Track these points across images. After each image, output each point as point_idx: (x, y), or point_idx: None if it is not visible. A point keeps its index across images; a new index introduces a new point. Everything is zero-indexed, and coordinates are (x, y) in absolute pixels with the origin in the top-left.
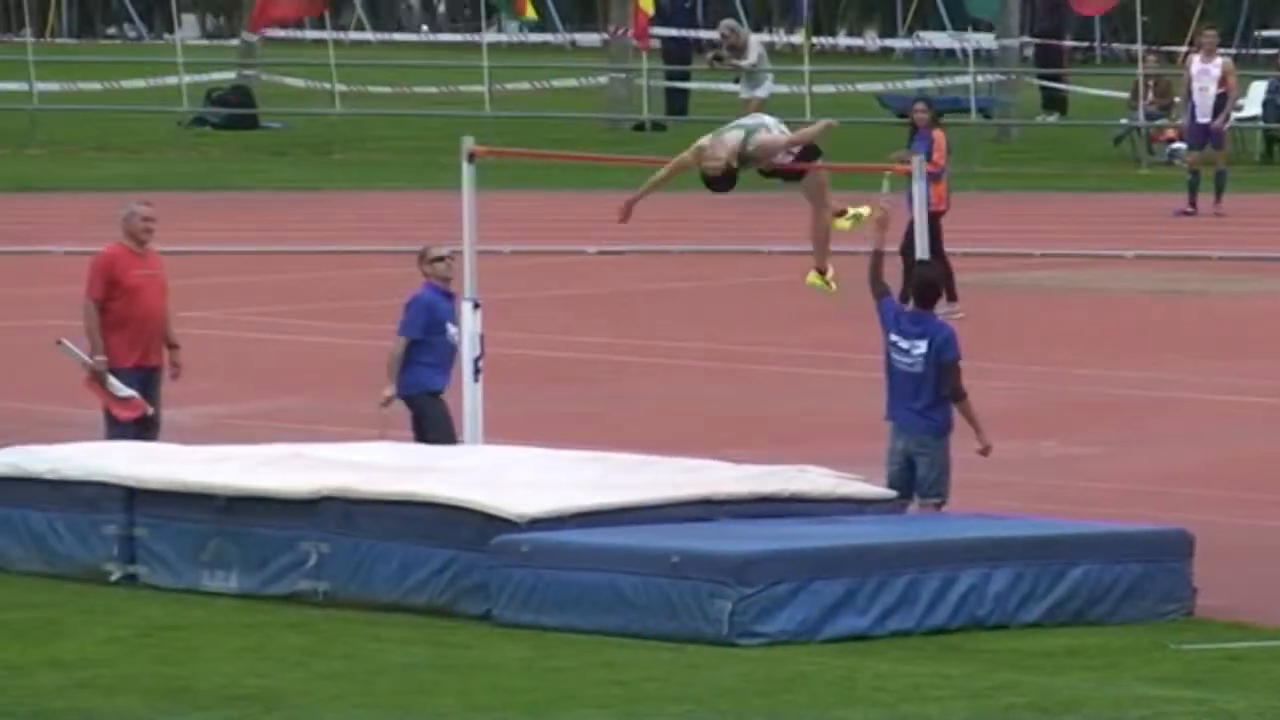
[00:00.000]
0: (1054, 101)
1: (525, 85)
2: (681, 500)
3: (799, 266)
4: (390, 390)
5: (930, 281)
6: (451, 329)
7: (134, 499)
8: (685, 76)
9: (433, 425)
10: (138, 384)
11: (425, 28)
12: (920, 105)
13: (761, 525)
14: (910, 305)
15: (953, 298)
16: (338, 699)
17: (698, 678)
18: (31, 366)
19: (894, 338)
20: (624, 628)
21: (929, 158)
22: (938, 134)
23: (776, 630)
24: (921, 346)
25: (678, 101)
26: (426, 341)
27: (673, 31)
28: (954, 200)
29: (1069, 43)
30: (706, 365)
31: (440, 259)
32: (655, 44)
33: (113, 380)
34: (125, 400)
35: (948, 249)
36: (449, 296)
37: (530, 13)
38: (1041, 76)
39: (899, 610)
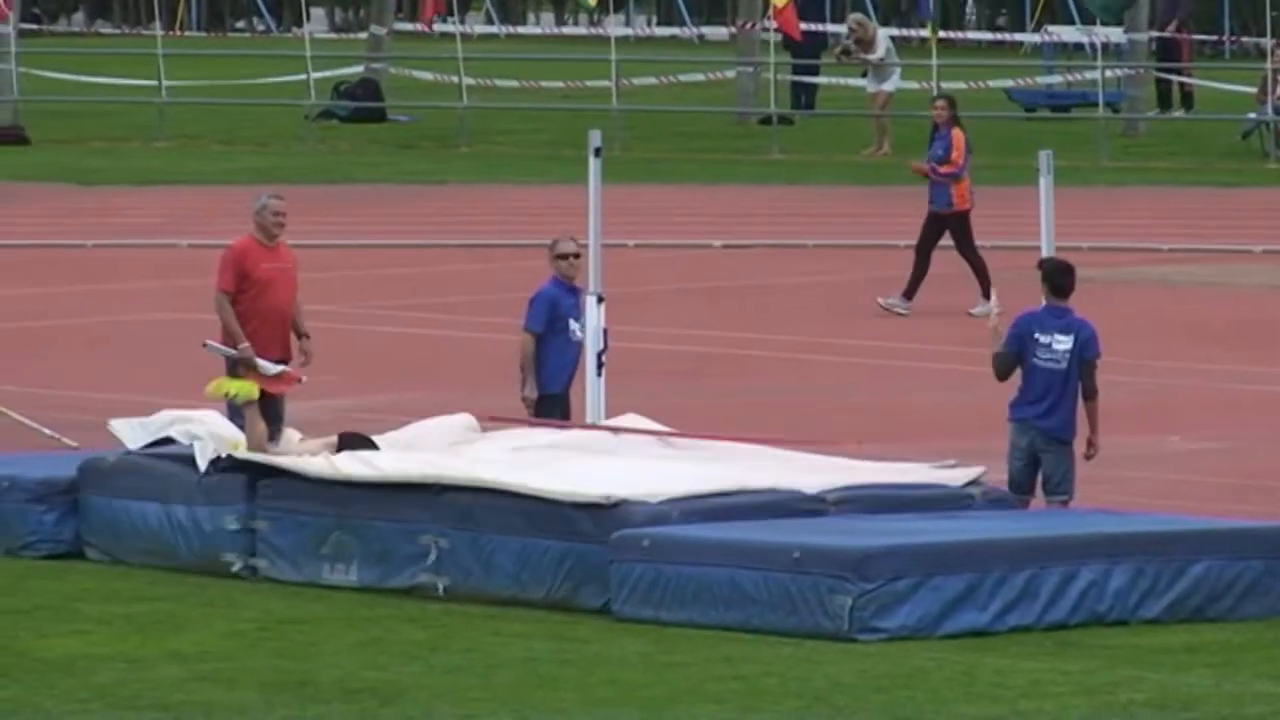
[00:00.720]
0: (1167, 99)
1: (651, 80)
2: (798, 493)
3: (933, 262)
4: (530, 391)
5: (1065, 269)
6: (574, 325)
7: (254, 491)
8: (814, 71)
9: None
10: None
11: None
12: (940, 102)
13: (882, 520)
14: (1045, 300)
15: (987, 295)
16: (456, 693)
17: (816, 673)
18: (159, 360)
19: (1036, 334)
20: (743, 623)
21: (947, 157)
22: (956, 133)
23: (896, 626)
24: (1065, 342)
25: (805, 96)
26: (548, 338)
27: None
28: (1082, 195)
29: (1197, 36)
30: (831, 359)
31: (564, 257)
32: (777, 36)
33: (260, 362)
34: (277, 377)
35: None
36: (573, 292)
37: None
38: (1163, 71)
39: (1019, 606)
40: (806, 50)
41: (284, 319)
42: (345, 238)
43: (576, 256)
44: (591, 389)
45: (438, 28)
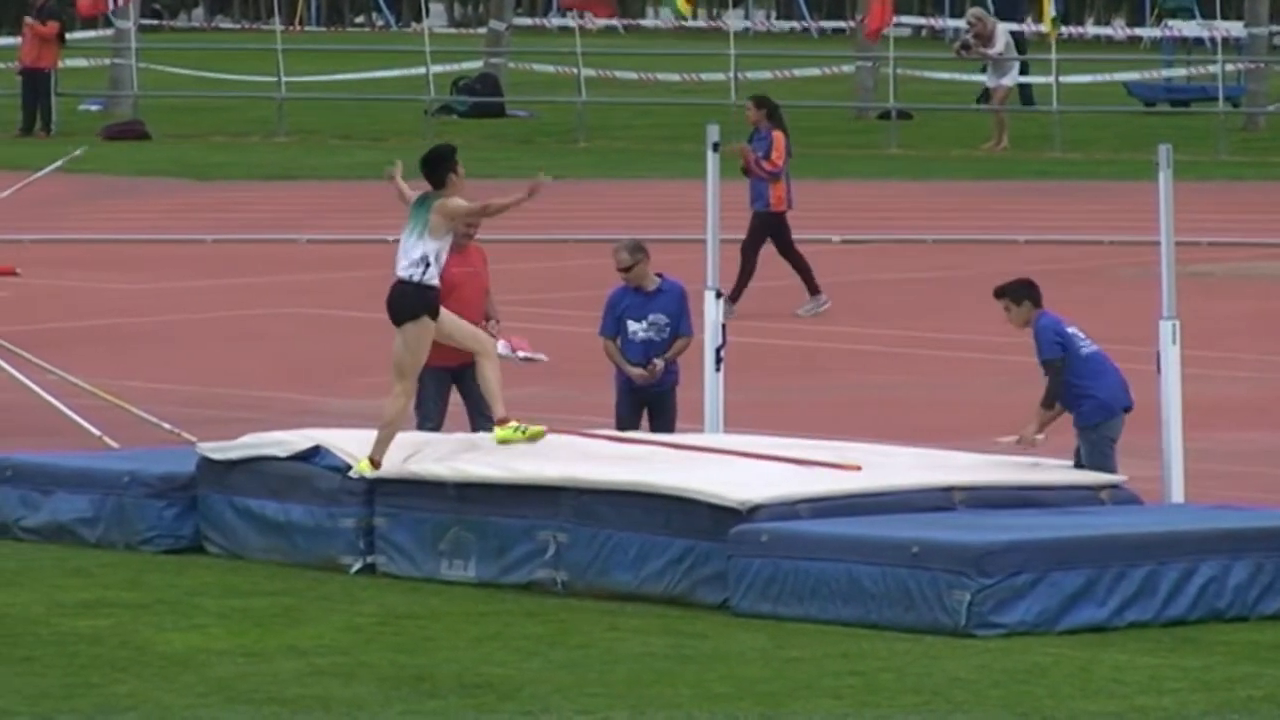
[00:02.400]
0: None
1: (767, 74)
2: (915, 488)
3: (1051, 256)
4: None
5: (1029, 283)
6: (633, 326)
7: (373, 489)
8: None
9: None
10: (450, 380)
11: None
12: (748, 103)
13: (1000, 515)
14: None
15: (814, 291)
16: (574, 688)
17: (935, 669)
18: (278, 355)
19: (1068, 330)
20: (861, 618)
21: (767, 157)
22: (777, 134)
23: (1015, 621)
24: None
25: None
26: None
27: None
28: (1201, 190)
29: None
30: (950, 355)
31: (623, 269)
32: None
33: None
34: (531, 359)
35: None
36: (639, 291)
37: (685, 8)
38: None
39: (1137, 601)
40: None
41: (472, 321)
42: None
43: (627, 270)
44: (710, 384)
45: (556, 21)
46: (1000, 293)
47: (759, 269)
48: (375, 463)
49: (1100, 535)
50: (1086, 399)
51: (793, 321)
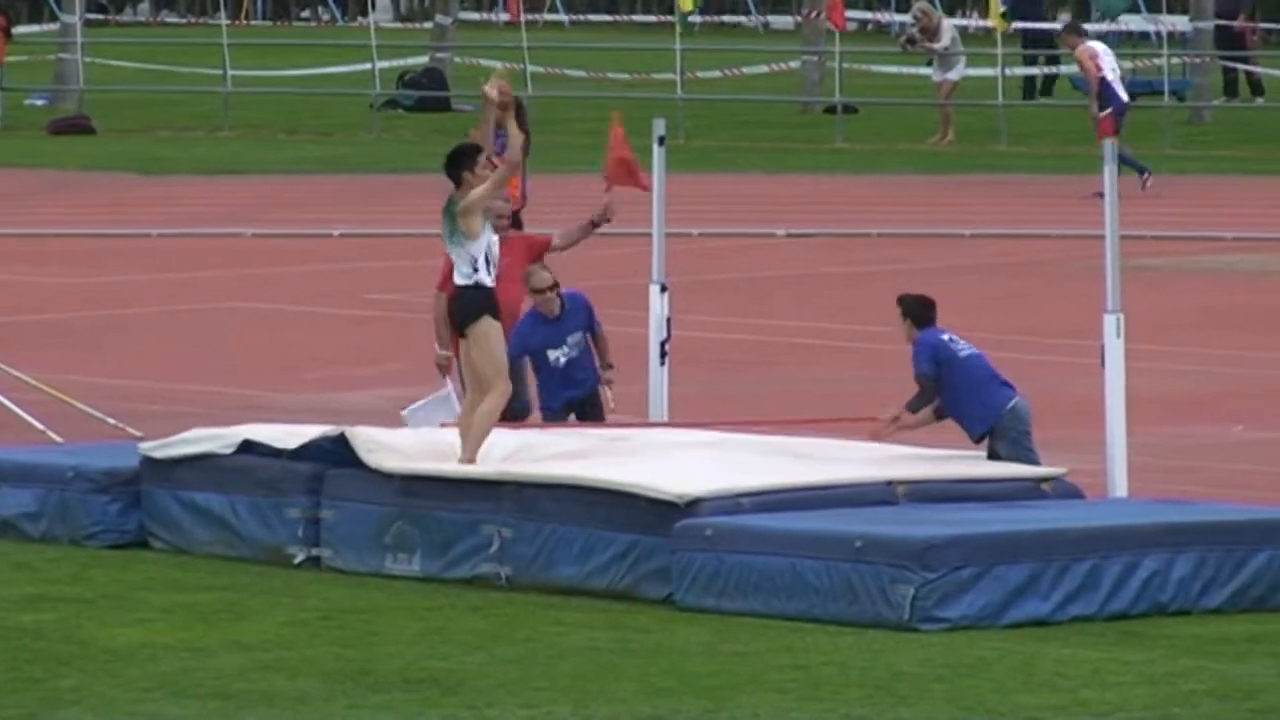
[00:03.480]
0: (1234, 87)
1: (716, 73)
2: (859, 482)
3: (997, 250)
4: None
5: (928, 303)
6: (552, 355)
7: (319, 481)
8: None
9: None
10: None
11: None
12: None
13: (943, 509)
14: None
15: None
16: (519, 682)
17: (878, 663)
18: (224, 349)
19: (950, 335)
20: (805, 612)
21: (502, 153)
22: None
23: (958, 615)
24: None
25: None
26: (536, 361)
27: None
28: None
29: (1265, 25)
30: (895, 349)
31: (537, 291)
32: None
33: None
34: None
35: None
36: (548, 321)
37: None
38: (1227, 60)
39: (1081, 596)
40: (1044, 42)
41: (515, 312)
42: (409, 227)
43: (550, 289)
44: (654, 378)
45: (503, 16)
46: (899, 301)
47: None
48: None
49: (1044, 529)
50: (969, 417)
51: (739, 315)
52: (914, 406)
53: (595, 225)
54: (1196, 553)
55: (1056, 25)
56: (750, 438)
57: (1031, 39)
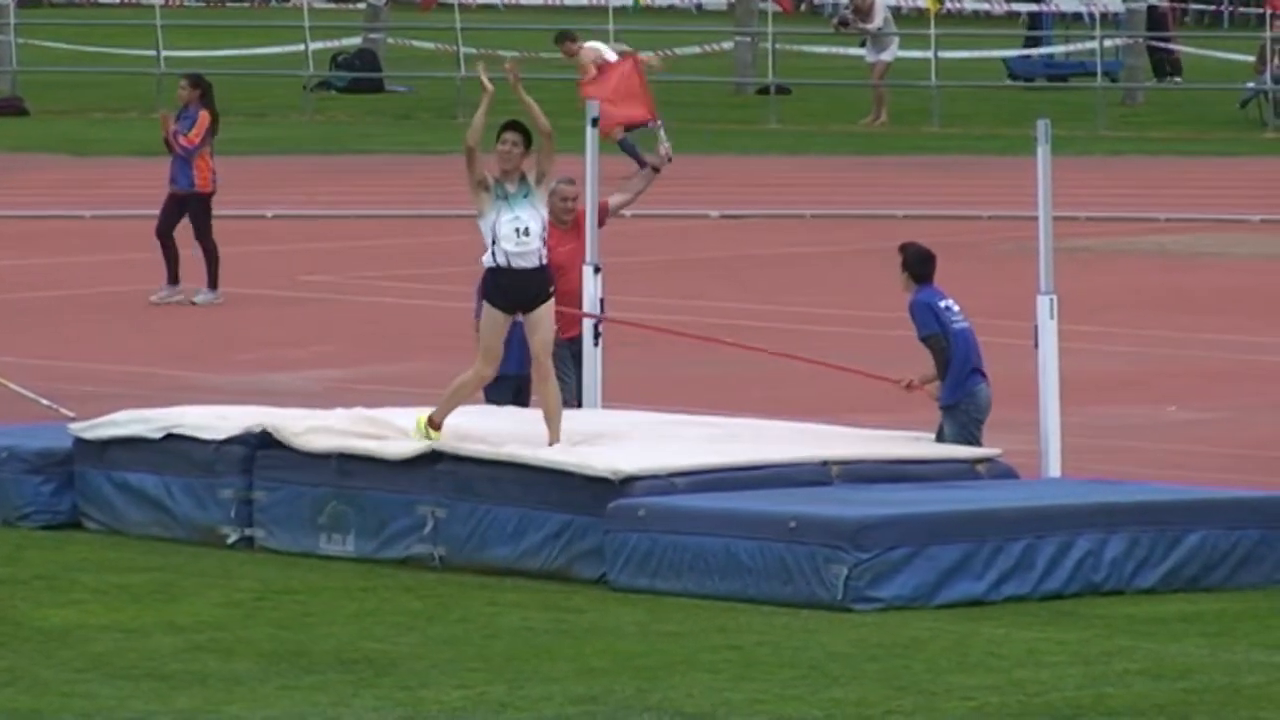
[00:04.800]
0: (1163, 68)
1: (648, 51)
2: (792, 462)
3: (929, 231)
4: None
5: (928, 257)
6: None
7: (252, 461)
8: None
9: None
10: (563, 353)
11: None
12: (183, 82)
13: (877, 490)
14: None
15: (213, 285)
16: (452, 663)
17: (812, 642)
18: (159, 330)
19: (947, 303)
20: (739, 592)
21: (188, 134)
22: (204, 113)
23: (892, 595)
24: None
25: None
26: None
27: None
28: (1080, 165)
29: (1196, 5)
30: (828, 330)
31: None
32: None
33: None
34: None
35: None
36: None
37: None
38: (1153, 41)
39: (1015, 575)
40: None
41: (576, 301)
42: (342, 208)
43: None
44: (589, 359)
45: None
46: (901, 248)
47: None
48: (434, 424)
49: (977, 509)
50: (948, 379)
51: (671, 296)
52: (939, 371)
53: (657, 170)
54: (1130, 533)
55: (1058, 8)
56: (686, 418)
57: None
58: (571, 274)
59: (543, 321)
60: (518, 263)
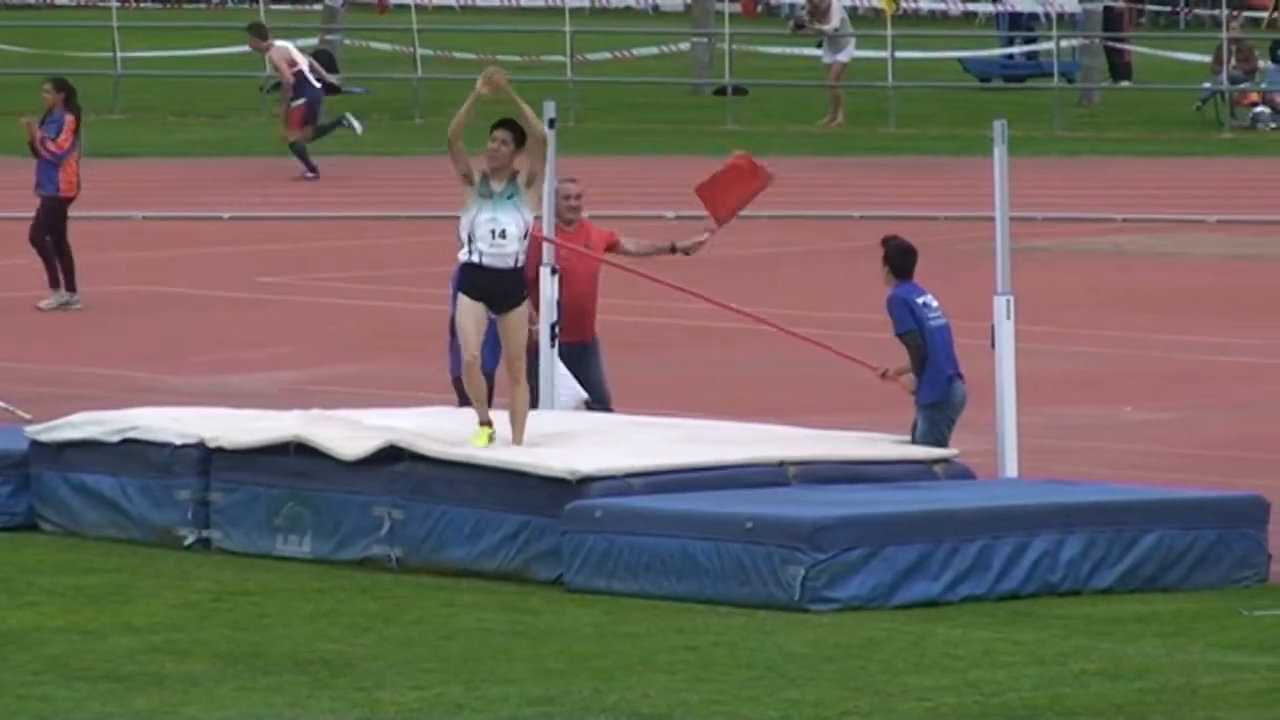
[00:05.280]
0: (1116, 69)
1: (605, 54)
2: (749, 463)
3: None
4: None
5: (908, 250)
6: None
7: (209, 463)
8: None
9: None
10: (573, 358)
11: None
12: (47, 85)
13: (834, 490)
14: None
15: (71, 288)
16: (409, 664)
17: (769, 643)
18: (115, 332)
19: (925, 299)
20: (696, 593)
21: (56, 138)
22: (69, 117)
23: (849, 596)
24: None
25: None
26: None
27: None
28: (1036, 165)
29: (1152, 6)
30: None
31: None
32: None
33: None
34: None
35: None
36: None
37: None
38: (1109, 42)
39: (971, 576)
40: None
41: (588, 302)
42: (298, 209)
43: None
44: (546, 360)
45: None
46: (883, 241)
47: None
48: (482, 423)
49: (934, 510)
50: (926, 377)
51: (630, 296)
52: (914, 368)
53: (674, 252)
54: (1086, 533)
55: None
56: (643, 419)
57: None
58: (574, 275)
59: (515, 326)
60: (491, 261)
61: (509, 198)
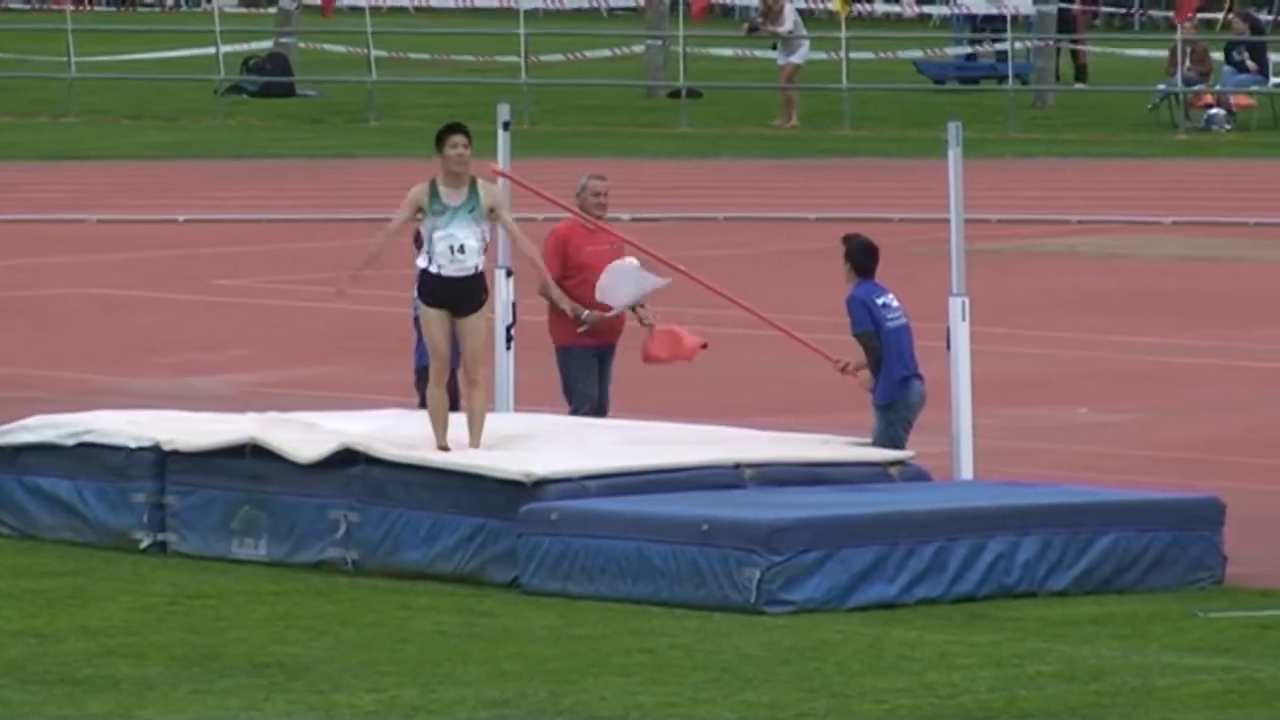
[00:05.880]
0: (1075, 70)
1: (559, 56)
2: (705, 465)
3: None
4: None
5: (870, 249)
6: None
7: (164, 466)
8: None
9: None
10: (594, 360)
11: None
12: None
13: (789, 493)
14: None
15: None
16: (365, 667)
17: (725, 645)
18: (67, 334)
19: (886, 299)
20: (652, 596)
21: None
22: None
23: (804, 598)
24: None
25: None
26: None
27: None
28: (991, 167)
29: (1106, 8)
30: (739, 333)
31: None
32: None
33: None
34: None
35: None
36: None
37: None
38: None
39: (927, 578)
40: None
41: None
42: (253, 212)
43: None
44: (501, 363)
45: (348, 1)
46: (845, 239)
47: None
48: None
49: (890, 512)
50: (881, 378)
51: None
52: (871, 368)
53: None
54: (1042, 535)
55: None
56: (599, 421)
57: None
58: (596, 275)
59: (475, 330)
60: (450, 272)
61: (470, 211)
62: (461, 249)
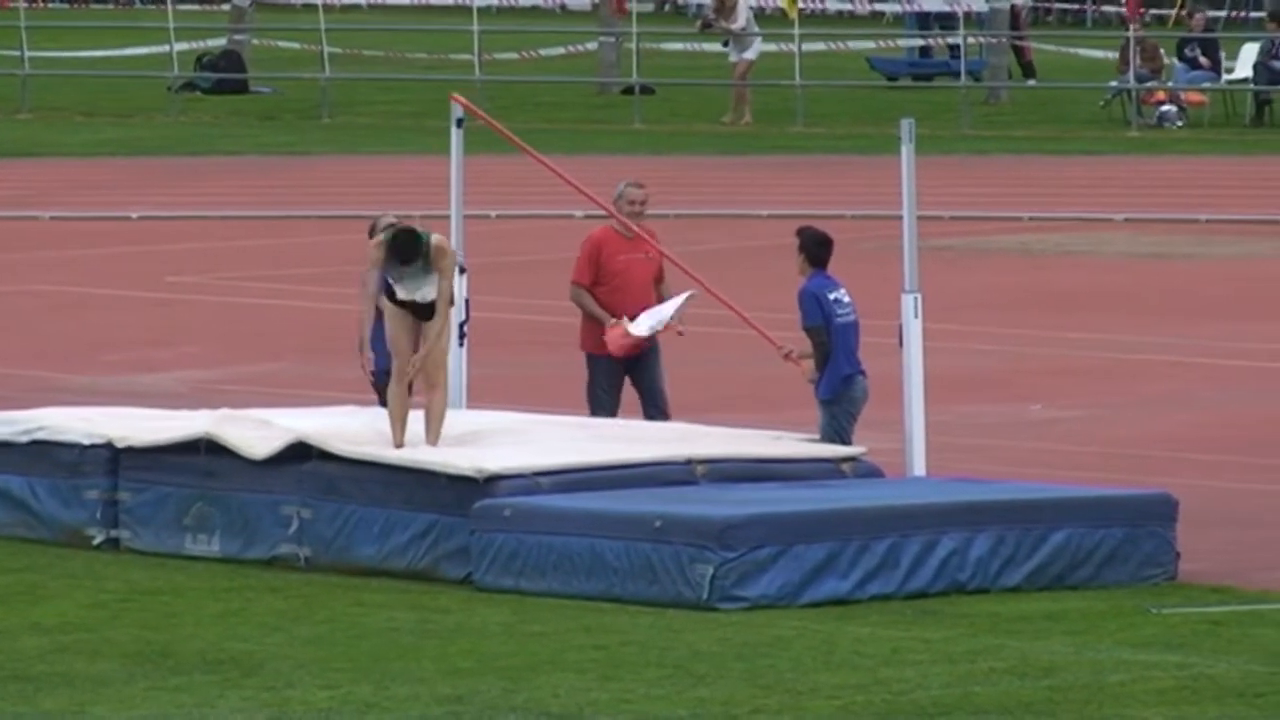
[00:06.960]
0: (1020, 67)
1: (513, 54)
2: (657, 461)
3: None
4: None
5: (824, 240)
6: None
7: (117, 463)
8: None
9: None
10: (622, 371)
11: None
12: None
13: (742, 489)
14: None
15: None
16: (318, 663)
17: (677, 642)
18: (21, 331)
19: (837, 295)
20: (605, 592)
21: None
22: None
23: (757, 594)
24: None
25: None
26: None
27: None
28: (944, 164)
29: (1059, 4)
30: (691, 330)
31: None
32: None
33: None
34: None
35: None
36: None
37: None
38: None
39: (880, 574)
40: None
41: (643, 309)
42: (207, 209)
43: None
44: (454, 359)
45: None
46: (799, 231)
47: None
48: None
49: (842, 508)
50: (826, 373)
51: (534, 296)
52: (817, 362)
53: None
54: (995, 531)
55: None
56: (551, 417)
57: (922, 20)
58: (630, 278)
59: (435, 334)
60: (414, 299)
61: (423, 270)
62: (424, 295)
